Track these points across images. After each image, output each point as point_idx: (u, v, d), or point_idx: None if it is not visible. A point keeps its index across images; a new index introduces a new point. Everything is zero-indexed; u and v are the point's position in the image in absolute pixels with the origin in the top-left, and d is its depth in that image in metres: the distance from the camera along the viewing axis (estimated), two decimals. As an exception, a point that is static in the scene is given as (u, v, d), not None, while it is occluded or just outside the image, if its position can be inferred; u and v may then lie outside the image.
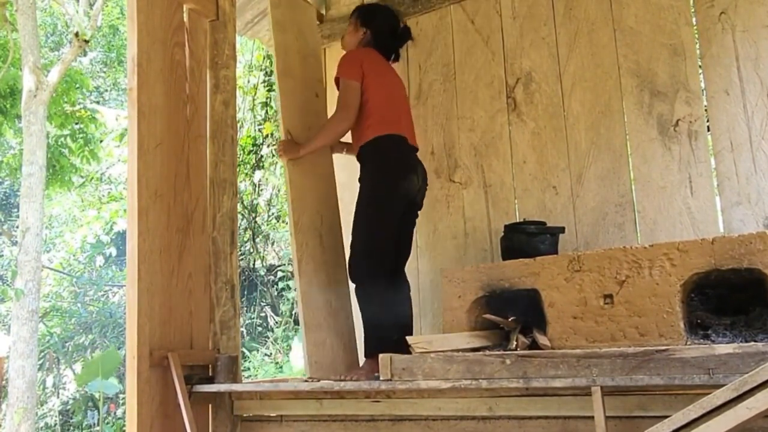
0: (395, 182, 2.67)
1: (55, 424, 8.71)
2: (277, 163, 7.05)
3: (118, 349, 7.43)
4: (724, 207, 2.67)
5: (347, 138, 2.88)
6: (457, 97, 3.39)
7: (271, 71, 6.24)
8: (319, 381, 2.37)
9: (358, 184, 2.74)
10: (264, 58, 7.02)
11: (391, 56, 2.96)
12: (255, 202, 7.68)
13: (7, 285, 8.08)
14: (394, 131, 2.71)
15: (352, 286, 2.73)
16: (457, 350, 2.13)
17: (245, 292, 7.80)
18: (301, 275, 2.77)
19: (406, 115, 2.86)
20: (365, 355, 2.58)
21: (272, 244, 8.02)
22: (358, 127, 2.74)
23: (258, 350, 7.36)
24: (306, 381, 2.48)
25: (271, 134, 7.03)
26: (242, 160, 7.39)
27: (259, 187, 7.62)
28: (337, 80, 2.78)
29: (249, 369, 6.88)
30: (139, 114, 2.40)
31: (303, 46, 3.16)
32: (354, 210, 2.71)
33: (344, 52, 2.91)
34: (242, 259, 7.76)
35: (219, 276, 2.60)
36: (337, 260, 2.96)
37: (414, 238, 3.37)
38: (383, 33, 2.91)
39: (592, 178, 2.96)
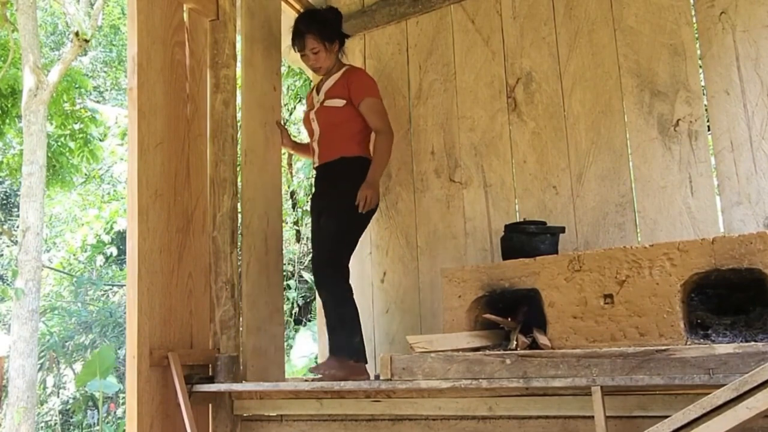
0: None
1: (55, 424, 8.72)
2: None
3: (119, 348, 7.43)
4: (724, 207, 2.67)
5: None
6: (457, 96, 3.39)
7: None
8: (319, 381, 2.37)
9: (335, 190, 2.81)
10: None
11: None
12: (255, 201, 7.66)
13: (8, 284, 8.09)
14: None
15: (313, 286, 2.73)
16: (457, 350, 2.13)
17: (245, 292, 7.77)
18: (248, 278, 2.73)
19: None
20: (350, 357, 2.57)
21: (272, 243, 8.01)
22: (345, 139, 2.83)
23: (258, 350, 7.34)
24: (306, 381, 2.48)
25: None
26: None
27: (259, 186, 7.60)
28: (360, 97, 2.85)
29: (249, 368, 6.86)
30: (140, 113, 2.40)
31: (267, 36, 3.08)
32: (336, 213, 2.75)
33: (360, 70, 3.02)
34: (242, 259, 7.75)
35: (219, 275, 2.60)
36: (276, 263, 2.93)
37: (414, 238, 3.39)
38: (341, 37, 3.01)
39: (592, 178, 2.96)
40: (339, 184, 2.80)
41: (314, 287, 2.90)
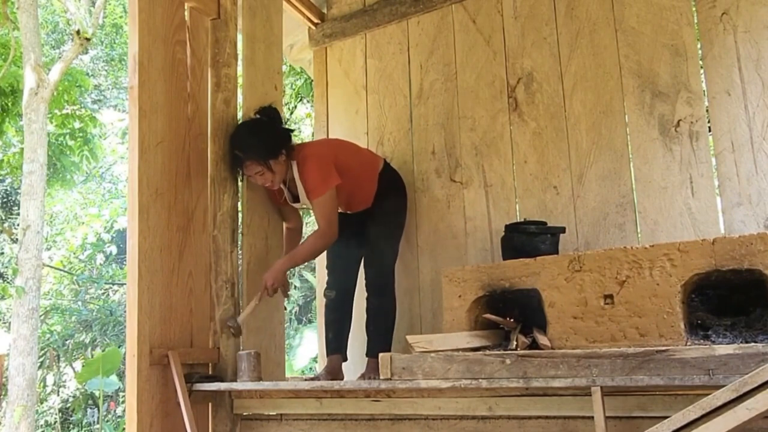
0: None
1: (55, 422, 8.73)
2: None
3: (119, 347, 7.44)
4: (724, 208, 2.67)
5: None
6: (458, 96, 3.39)
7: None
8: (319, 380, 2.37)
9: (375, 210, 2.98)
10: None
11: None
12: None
13: (8, 283, 8.09)
14: None
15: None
16: (457, 350, 2.13)
17: (245, 291, 7.77)
18: (249, 277, 2.73)
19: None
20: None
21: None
22: (363, 200, 2.96)
23: (258, 349, 7.34)
24: (306, 380, 2.48)
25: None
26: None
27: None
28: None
29: (249, 368, 6.85)
30: (140, 112, 2.40)
31: (268, 34, 3.05)
32: (385, 227, 2.98)
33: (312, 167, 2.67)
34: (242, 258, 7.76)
35: (219, 274, 2.60)
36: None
37: (414, 238, 3.39)
38: (283, 143, 2.68)
39: (593, 179, 2.96)
40: (375, 206, 2.93)
41: (369, 291, 2.95)
